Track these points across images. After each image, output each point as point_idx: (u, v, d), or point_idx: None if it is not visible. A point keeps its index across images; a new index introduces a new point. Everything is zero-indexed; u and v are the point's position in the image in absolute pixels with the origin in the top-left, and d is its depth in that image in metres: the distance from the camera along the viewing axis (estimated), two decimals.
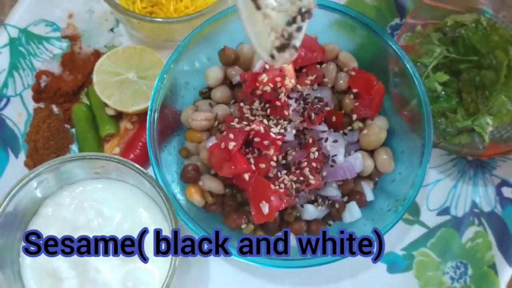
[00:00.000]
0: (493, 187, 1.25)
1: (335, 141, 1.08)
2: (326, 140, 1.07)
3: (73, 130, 1.29)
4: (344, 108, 1.14)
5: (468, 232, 1.24)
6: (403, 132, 1.15)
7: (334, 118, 1.11)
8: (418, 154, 1.07)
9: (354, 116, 1.12)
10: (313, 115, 1.06)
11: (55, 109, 1.30)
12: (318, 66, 1.13)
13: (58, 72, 1.31)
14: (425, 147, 1.06)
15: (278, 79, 1.06)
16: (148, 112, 1.09)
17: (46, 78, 1.29)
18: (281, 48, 0.85)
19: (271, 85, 1.06)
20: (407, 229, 1.24)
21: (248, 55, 1.16)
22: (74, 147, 1.29)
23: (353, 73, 1.13)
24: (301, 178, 1.04)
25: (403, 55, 1.10)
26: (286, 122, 1.06)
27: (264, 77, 1.06)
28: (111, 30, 1.34)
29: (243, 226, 1.10)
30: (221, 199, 1.12)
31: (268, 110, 1.08)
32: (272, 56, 0.85)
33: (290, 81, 1.07)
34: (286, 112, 1.06)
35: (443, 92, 1.18)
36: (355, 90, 1.12)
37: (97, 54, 1.31)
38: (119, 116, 1.29)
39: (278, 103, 1.06)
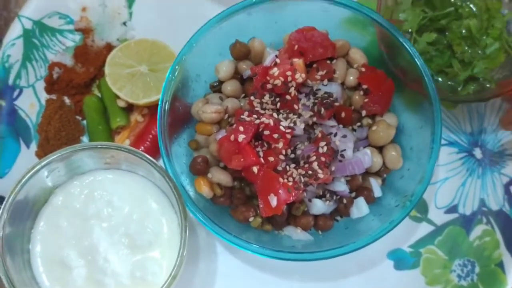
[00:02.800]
0: (501, 185, 1.25)
1: (344, 136, 1.08)
2: (335, 135, 1.08)
3: (84, 121, 1.30)
4: (353, 104, 1.14)
5: (476, 230, 1.24)
6: (412, 129, 1.15)
7: (343, 114, 1.11)
8: (427, 151, 1.07)
9: (364, 112, 1.12)
10: (322, 109, 1.06)
11: (67, 100, 1.31)
12: (328, 61, 1.13)
13: (70, 64, 1.32)
14: (434, 143, 1.06)
15: (288, 73, 1.07)
16: (159, 103, 1.10)
17: (59, 70, 1.30)
18: None
19: (282, 79, 1.07)
20: (415, 227, 1.24)
21: (259, 49, 1.17)
22: (85, 138, 1.30)
23: (363, 69, 1.14)
24: (310, 172, 1.04)
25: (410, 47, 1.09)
26: (295, 116, 1.07)
27: (275, 71, 1.07)
28: (124, 23, 1.35)
29: (251, 219, 1.11)
30: (229, 192, 1.13)
31: (278, 104, 1.09)
32: None
33: (300, 76, 1.07)
34: (296, 106, 1.07)
35: (434, 52, 1.19)
36: (364, 86, 1.12)
37: (109, 47, 1.32)
38: (129, 108, 1.30)
39: (288, 97, 1.07)
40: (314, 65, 1.12)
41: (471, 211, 1.25)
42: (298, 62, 1.08)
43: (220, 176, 1.10)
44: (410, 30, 1.19)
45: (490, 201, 1.25)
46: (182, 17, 1.34)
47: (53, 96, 1.31)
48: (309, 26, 1.13)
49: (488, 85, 1.18)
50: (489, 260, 1.22)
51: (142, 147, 1.25)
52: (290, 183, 1.04)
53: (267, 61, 1.13)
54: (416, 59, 1.08)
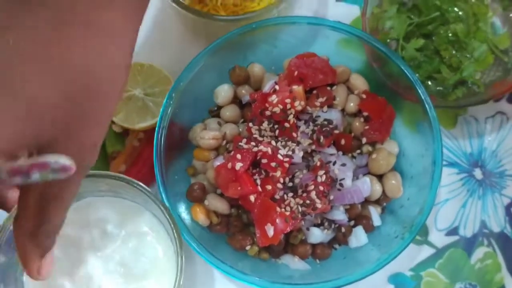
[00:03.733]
0: (502, 206, 1.24)
1: (343, 164, 1.07)
2: (334, 163, 1.06)
3: None
4: (353, 131, 1.13)
5: (478, 253, 1.22)
6: (413, 156, 1.14)
7: (343, 141, 1.09)
8: (428, 179, 1.06)
9: (364, 140, 1.11)
10: (322, 137, 1.05)
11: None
12: (328, 88, 1.12)
13: None
14: (434, 172, 1.05)
15: (288, 100, 1.05)
16: (156, 129, 1.08)
17: None
18: None
19: (281, 106, 1.05)
20: (416, 250, 1.22)
21: (258, 75, 1.16)
22: None
23: (363, 96, 1.12)
24: (308, 202, 1.03)
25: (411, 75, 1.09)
26: (294, 144, 1.06)
27: (274, 98, 1.05)
28: None
29: (248, 247, 1.09)
30: (226, 220, 1.11)
31: (277, 132, 1.07)
32: None
33: (299, 103, 1.06)
34: (294, 134, 1.06)
35: (423, 58, 1.19)
36: (365, 113, 1.11)
37: None
38: (125, 133, 1.28)
39: (287, 124, 1.06)
40: (314, 92, 1.11)
41: (472, 233, 1.23)
42: (298, 89, 1.07)
43: (217, 203, 1.08)
44: (397, 37, 1.19)
45: (491, 222, 1.23)
46: (178, 40, 1.32)
47: None
48: (309, 52, 1.12)
49: (477, 89, 1.19)
50: (490, 283, 1.20)
51: (138, 172, 1.24)
52: (288, 213, 1.02)
53: (266, 88, 1.12)
54: (402, 67, 1.08)
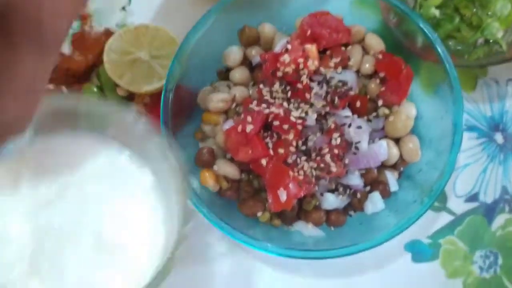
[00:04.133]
0: None
1: (359, 127, 1.03)
2: (350, 125, 1.02)
3: None
4: (369, 93, 1.08)
5: (499, 220, 1.18)
6: (431, 119, 1.09)
7: (358, 103, 1.05)
8: (447, 143, 1.02)
9: (380, 102, 1.07)
10: (336, 99, 1.01)
11: (65, 90, 1.25)
12: (343, 48, 1.08)
13: (68, 52, 1.26)
14: (455, 135, 1.01)
15: (300, 60, 1.01)
16: (163, 92, 1.05)
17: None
18: None
19: (293, 66, 1.01)
20: (433, 216, 1.18)
21: (269, 35, 1.12)
22: None
23: (380, 56, 1.08)
24: (322, 165, 0.99)
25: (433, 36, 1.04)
26: (307, 106, 1.02)
27: (286, 58, 1.02)
28: (123, 8, 1.29)
29: (259, 213, 1.06)
30: (236, 185, 1.07)
31: (289, 93, 1.03)
32: None
33: (313, 63, 1.02)
34: (307, 95, 1.02)
35: (442, 16, 1.15)
36: (381, 75, 1.07)
37: (108, 34, 1.26)
38: (130, 97, 1.24)
39: (299, 85, 1.02)
40: (328, 52, 1.06)
41: (492, 199, 1.19)
42: (311, 48, 1.03)
43: (226, 168, 1.05)
44: None
45: None
46: (184, 1, 1.27)
47: (51, 86, 1.24)
48: (322, 10, 1.07)
49: (499, 49, 1.15)
50: None
51: None
52: (301, 177, 0.99)
53: (278, 47, 1.07)
54: (421, 25, 1.04)
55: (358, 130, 1.03)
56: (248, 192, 1.06)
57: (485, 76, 1.24)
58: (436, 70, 1.05)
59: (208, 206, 1.02)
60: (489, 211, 1.19)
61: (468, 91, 1.23)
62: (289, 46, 1.03)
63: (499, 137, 1.22)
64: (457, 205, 1.19)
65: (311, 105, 1.03)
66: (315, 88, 1.03)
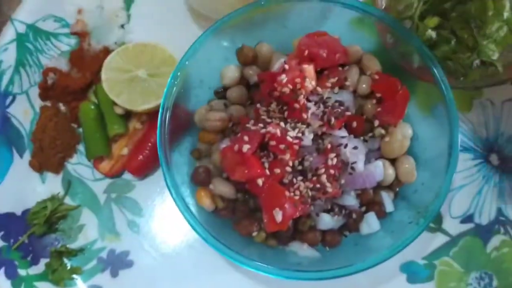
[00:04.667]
0: None
1: (355, 147, 1.03)
2: (346, 146, 1.02)
3: (80, 129, 1.26)
4: (365, 114, 1.08)
5: (494, 241, 1.18)
6: (427, 140, 1.10)
7: (355, 124, 1.05)
8: (443, 164, 1.02)
9: (376, 122, 1.07)
10: (333, 119, 1.01)
11: (62, 107, 1.27)
12: (340, 68, 1.08)
13: (66, 69, 1.27)
14: (451, 156, 1.01)
15: (297, 80, 1.01)
16: (160, 110, 1.05)
17: (54, 75, 1.26)
18: None
19: (290, 86, 1.01)
20: (429, 237, 1.18)
21: (267, 54, 1.12)
22: (81, 147, 1.25)
23: (376, 77, 1.08)
24: (318, 186, 0.99)
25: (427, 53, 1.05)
26: (304, 126, 1.02)
27: (283, 78, 1.01)
28: (122, 26, 1.30)
29: (255, 233, 1.06)
30: (232, 204, 1.07)
31: (286, 113, 1.03)
32: None
33: (310, 83, 1.02)
34: (304, 115, 1.02)
35: (438, 37, 1.13)
36: (378, 95, 1.07)
37: (106, 51, 1.27)
38: (128, 115, 1.24)
39: (296, 105, 1.02)
40: (325, 72, 1.07)
41: (488, 220, 1.19)
42: (308, 68, 1.03)
43: (222, 187, 1.04)
44: (411, 15, 1.14)
45: (508, 210, 1.19)
46: (184, 19, 1.29)
47: (48, 103, 1.27)
48: (320, 30, 1.08)
49: (495, 70, 1.13)
50: (507, 273, 1.16)
51: (141, 156, 1.20)
52: (297, 197, 0.99)
53: (275, 67, 1.08)
54: (417, 45, 1.05)
55: (354, 151, 1.02)
56: (244, 212, 1.06)
57: (481, 97, 1.24)
58: (432, 91, 1.05)
59: (204, 226, 1.02)
60: (484, 233, 1.18)
61: (464, 112, 1.23)
62: (286, 66, 1.03)
63: (494, 159, 1.22)
64: (453, 226, 1.19)
65: (308, 125, 1.02)
66: (312, 108, 1.03)
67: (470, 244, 1.18)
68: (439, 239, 1.19)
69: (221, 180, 1.06)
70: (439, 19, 1.13)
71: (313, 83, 1.03)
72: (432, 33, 1.13)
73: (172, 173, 1.03)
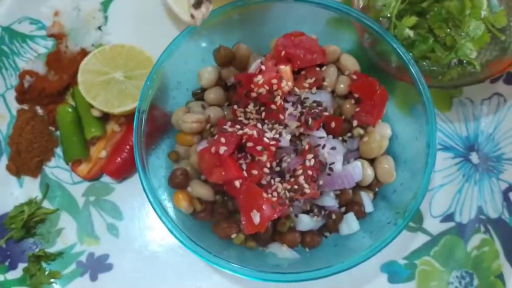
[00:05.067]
0: (499, 192, 1.19)
1: (333, 148, 1.02)
2: (324, 147, 1.02)
3: (58, 132, 1.24)
4: (344, 114, 1.08)
5: (474, 240, 1.18)
6: (406, 140, 1.09)
7: (333, 124, 1.05)
8: (421, 163, 1.01)
9: (355, 122, 1.06)
10: (310, 120, 1.00)
11: (39, 110, 1.26)
12: (318, 68, 1.08)
13: (42, 72, 1.26)
14: (428, 156, 1.01)
15: (274, 81, 1.01)
16: (136, 112, 1.04)
17: (30, 78, 1.24)
18: (197, 5, 0.93)
19: (267, 87, 1.01)
20: (410, 237, 1.18)
21: (244, 55, 1.12)
22: (59, 150, 1.25)
23: (354, 77, 1.08)
24: (296, 187, 0.99)
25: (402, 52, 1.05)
26: (281, 127, 1.01)
27: (260, 79, 1.01)
28: (99, 28, 1.29)
29: (233, 235, 1.05)
30: (210, 207, 1.06)
31: (263, 114, 1.03)
32: (192, 16, 0.91)
33: (286, 84, 1.01)
34: (281, 116, 1.01)
35: (416, 37, 1.15)
36: (356, 95, 1.07)
37: (84, 53, 1.26)
38: (105, 117, 1.23)
39: (273, 106, 1.01)
40: (302, 72, 1.06)
41: (468, 219, 1.19)
42: (285, 69, 1.02)
43: (200, 190, 1.04)
44: (389, 15, 1.15)
45: (488, 208, 1.19)
46: (162, 20, 1.28)
47: (25, 106, 1.26)
48: (297, 31, 1.07)
49: (473, 69, 1.15)
50: (488, 271, 1.16)
51: (119, 159, 1.20)
52: (275, 199, 0.98)
53: (252, 68, 1.07)
54: (394, 45, 1.05)
55: (332, 151, 1.02)
56: (222, 214, 1.05)
57: (461, 95, 1.24)
58: (410, 91, 1.05)
59: (182, 229, 1.01)
60: (465, 231, 1.18)
61: (444, 111, 1.23)
62: (263, 67, 1.02)
63: (474, 157, 1.22)
64: (433, 225, 1.19)
65: (285, 126, 1.02)
66: (290, 109, 1.03)
67: (450, 243, 1.18)
68: (420, 239, 1.19)
69: (199, 183, 1.05)
70: (417, 18, 1.14)
71: (290, 84, 1.02)
72: (409, 32, 1.13)
73: (148, 176, 1.03)
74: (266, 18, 1.13)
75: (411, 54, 1.13)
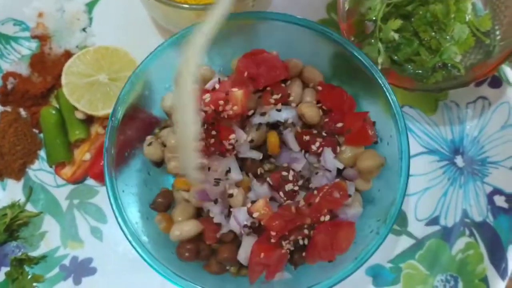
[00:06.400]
0: (484, 195, 1.19)
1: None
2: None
3: (42, 135, 1.24)
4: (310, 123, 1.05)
5: (459, 243, 1.18)
6: (379, 147, 1.07)
7: (307, 137, 1.03)
8: (396, 168, 1.00)
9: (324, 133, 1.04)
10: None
11: (22, 112, 1.26)
12: (282, 84, 1.05)
13: (26, 73, 1.26)
14: (401, 161, 0.99)
15: (221, 102, 0.98)
16: (109, 119, 1.01)
17: (13, 80, 1.25)
18: None
19: (212, 107, 0.98)
20: (394, 240, 1.18)
21: (208, 77, 1.08)
22: (42, 153, 1.24)
23: (319, 87, 1.06)
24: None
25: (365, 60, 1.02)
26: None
27: (207, 97, 0.99)
28: (83, 30, 1.29)
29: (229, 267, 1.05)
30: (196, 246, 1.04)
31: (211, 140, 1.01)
32: None
33: (232, 108, 0.98)
34: (225, 143, 0.99)
35: (401, 39, 1.15)
36: (323, 106, 1.05)
37: (68, 55, 1.25)
38: (90, 120, 1.23)
39: (214, 132, 1.00)
40: (268, 88, 1.03)
41: (453, 222, 1.19)
42: (236, 93, 0.99)
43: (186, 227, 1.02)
44: (374, 18, 1.15)
45: (473, 212, 1.18)
46: (146, 22, 1.28)
47: (8, 108, 1.26)
48: (257, 48, 1.03)
49: (457, 72, 1.15)
50: (472, 275, 1.15)
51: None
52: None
53: (208, 85, 1.04)
54: (357, 53, 1.02)
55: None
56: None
57: (446, 98, 1.23)
58: (379, 95, 1.03)
59: (153, 254, 1.01)
60: (450, 235, 1.18)
61: (429, 114, 1.23)
62: (216, 86, 1.01)
63: (459, 161, 1.21)
64: (418, 228, 1.19)
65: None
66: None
67: (435, 247, 1.18)
68: (405, 242, 1.18)
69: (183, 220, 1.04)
70: (402, 21, 1.13)
71: (236, 108, 0.99)
72: (395, 35, 1.13)
73: (117, 192, 1.02)
74: (231, 37, 1.09)
75: (396, 57, 1.13)
